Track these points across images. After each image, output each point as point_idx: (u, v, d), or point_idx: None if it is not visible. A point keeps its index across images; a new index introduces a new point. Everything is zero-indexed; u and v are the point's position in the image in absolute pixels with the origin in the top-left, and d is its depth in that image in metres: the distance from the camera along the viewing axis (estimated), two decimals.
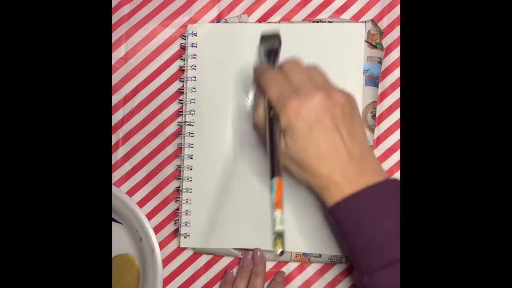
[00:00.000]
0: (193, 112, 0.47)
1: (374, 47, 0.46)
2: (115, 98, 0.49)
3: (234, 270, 0.48)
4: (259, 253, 0.46)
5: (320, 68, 0.40)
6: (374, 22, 0.47)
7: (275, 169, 0.36)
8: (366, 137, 0.39)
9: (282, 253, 0.33)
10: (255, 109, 0.40)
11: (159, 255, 0.47)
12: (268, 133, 0.37)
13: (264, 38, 0.43)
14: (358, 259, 0.36)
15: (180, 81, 0.48)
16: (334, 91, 0.37)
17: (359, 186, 0.36)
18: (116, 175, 0.49)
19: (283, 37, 0.47)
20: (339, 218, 0.36)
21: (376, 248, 0.35)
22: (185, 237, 0.47)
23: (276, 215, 0.34)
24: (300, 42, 0.47)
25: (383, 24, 0.48)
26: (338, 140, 0.36)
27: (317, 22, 0.47)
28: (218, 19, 0.49)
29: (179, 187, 0.48)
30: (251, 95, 0.47)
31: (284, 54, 0.46)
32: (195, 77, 0.47)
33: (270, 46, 0.42)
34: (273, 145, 0.37)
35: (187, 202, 0.47)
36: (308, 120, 0.36)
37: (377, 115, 0.47)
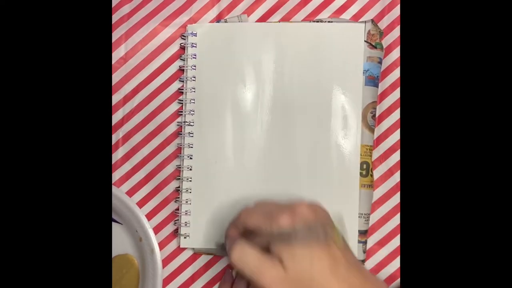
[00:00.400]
0: (192, 112, 0.47)
1: (374, 47, 0.46)
2: (115, 98, 0.49)
3: (234, 270, 0.48)
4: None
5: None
6: (374, 22, 0.47)
7: None
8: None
9: None
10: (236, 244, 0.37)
11: (159, 255, 0.47)
12: None
13: None
14: None
15: (180, 81, 0.48)
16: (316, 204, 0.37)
17: None
18: (116, 175, 0.49)
19: (283, 37, 0.47)
20: None
21: None
22: (185, 237, 0.47)
23: None
24: (300, 42, 0.47)
25: (383, 24, 0.48)
26: (335, 249, 0.35)
27: (317, 22, 0.47)
28: (218, 19, 0.49)
29: (179, 187, 0.48)
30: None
31: (284, 55, 0.46)
32: (194, 77, 0.47)
33: None
34: None
35: (187, 202, 0.47)
36: (302, 230, 0.35)
37: (377, 115, 0.47)
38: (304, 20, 0.48)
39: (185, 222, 0.47)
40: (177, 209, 0.48)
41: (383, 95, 0.48)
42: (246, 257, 0.35)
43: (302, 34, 0.47)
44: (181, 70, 0.48)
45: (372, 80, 0.46)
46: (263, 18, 0.48)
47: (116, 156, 0.49)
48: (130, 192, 0.49)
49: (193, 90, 0.47)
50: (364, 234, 0.46)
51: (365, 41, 0.46)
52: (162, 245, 0.48)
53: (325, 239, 0.35)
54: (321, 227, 0.36)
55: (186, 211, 0.47)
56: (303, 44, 0.47)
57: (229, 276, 0.47)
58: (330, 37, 0.47)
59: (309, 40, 0.47)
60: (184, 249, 0.48)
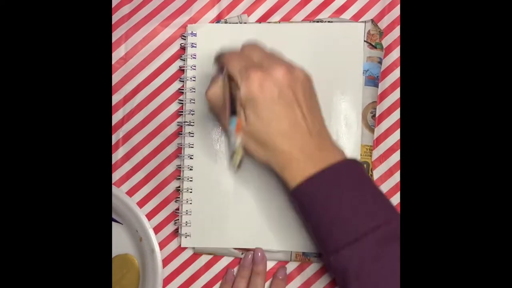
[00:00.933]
0: (193, 112, 0.47)
1: (374, 47, 0.46)
2: (115, 98, 0.49)
3: (235, 270, 0.48)
4: (259, 253, 0.46)
5: (277, 51, 0.40)
6: (374, 22, 0.47)
7: (234, 109, 0.37)
8: (323, 116, 0.39)
9: (239, 166, 0.37)
10: (210, 86, 0.40)
11: (159, 255, 0.47)
12: (229, 105, 0.38)
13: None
14: (323, 239, 0.36)
15: (180, 81, 0.48)
16: (294, 67, 0.38)
17: (321, 164, 0.36)
18: (116, 175, 0.49)
19: (283, 37, 0.47)
20: (303, 199, 0.37)
21: (341, 226, 0.35)
22: (185, 237, 0.47)
23: (235, 140, 0.37)
24: (299, 42, 0.47)
25: (383, 24, 0.48)
26: (300, 116, 0.37)
27: (317, 22, 0.47)
28: (218, 19, 0.49)
29: (179, 187, 0.48)
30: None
31: (284, 54, 0.46)
32: (195, 77, 0.47)
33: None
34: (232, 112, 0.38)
35: (187, 202, 0.47)
36: (271, 93, 0.36)
37: (377, 115, 0.47)
38: (304, 20, 0.48)
39: (186, 222, 0.47)
40: (178, 209, 0.48)
41: (383, 95, 0.48)
42: (216, 100, 0.39)
43: (302, 34, 0.47)
44: (181, 70, 0.48)
45: (372, 80, 0.46)
46: (263, 18, 0.48)
47: (116, 156, 0.49)
48: (131, 192, 0.49)
49: (193, 90, 0.47)
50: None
51: (365, 41, 0.46)
52: (162, 245, 0.48)
53: (290, 104, 0.36)
54: (291, 92, 0.37)
55: (187, 210, 0.47)
56: (303, 44, 0.47)
57: (231, 276, 0.47)
58: (330, 37, 0.47)
59: (309, 40, 0.47)
60: (184, 249, 0.48)
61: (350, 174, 0.36)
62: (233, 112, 0.37)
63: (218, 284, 0.48)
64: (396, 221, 0.34)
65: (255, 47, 0.39)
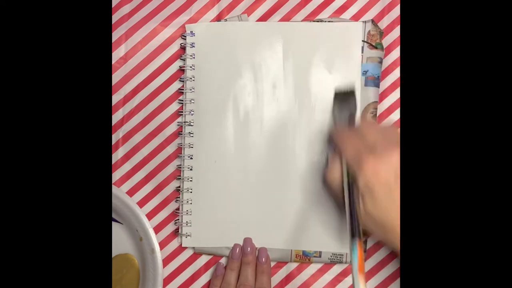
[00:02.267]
0: (192, 112, 0.47)
1: (374, 47, 0.46)
2: (115, 98, 0.49)
3: (224, 263, 0.48)
4: (248, 243, 0.46)
5: (395, 126, 0.39)
6: (374, 22, 0.47)
7: (355, 230, 0.35)
8: None
9: None
10: (330, 170, 0.39)
11: (159, 255, 0.47)
12: (347, 193, 0.36)
13: (339, 96, 0.43)
14: None
15: (180, 81, 0.48)
16: None
17: None
18: (116, 175, 0.49)
19: (282, 36, 0.47)
20: None
21: None
22: (186, 237, 0.47)
23: (359, 282, 0.33)
24: (299, 42, 0.47)
25: (383, 24, 0.48)
26: None
27: (317, 22, 0.47)
28: (218, 19, 0.49)
29: (179, 187, 0.48)
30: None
31: (283, 54, 0.46)
32: (194, 77, 0.47)
33: (347, 110, 0.42)
34: (352, 206, 0.36)
35: (187, 202, 0.47)
36: (386, 179, 0.35)
37: (377, 115, 0.47)
38: (304, 20, 0.48)
39: (187, 222, 0.47)
40: (178, 208, 0.48)
41: (383, 95, 0.48)
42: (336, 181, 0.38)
43: (301, 34, 0.47)
44: (181, 70, 0.48)
45: (373, 81, 0.46)
46: (263, 18, 0.48)
47: (116, 156, 0.49)
48: (131, 192, 0.49)
49: (192, 90, 0.47)
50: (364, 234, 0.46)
51: (365, 41, 0.46)
52: (162, 244, 0.48)
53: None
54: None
55: (187, 210, 0.47)
56: (302, 43, 0.47)
57: (221, 270, 0.47)
58: (329, 37, 0.47)
59: (308, 39, 0.47)
60: (184, 248, 0.48)
61: None
62: (353, 233, 0.35)
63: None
64: None
65: (371, 126, 0.39)
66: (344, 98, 0.43)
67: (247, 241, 0.46)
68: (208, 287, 0.47)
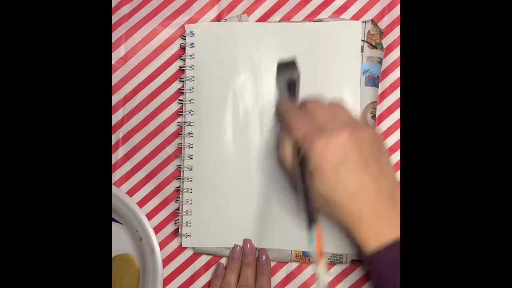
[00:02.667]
0: (192, 112, 0.47)
1: (374, 47, 0.46)
2: (115, 98, 0.49)
3: (224, 263, 0.48)
4: (248, 244, 0.46)
5: (343, 103, 0.39)
6: (374, 22, 0.47)
7: (313, 216, 0.35)
8: (395, 173, 0.38)
9: None
10: (281, 148, 0.39)
11: (159, 255, 0.47)
12: (300, 175, 0.37)
13: (282, 67, 0.43)
14: None
15: (180, 81, 0.48)
16: (361, 127, 0.37)
17: (394, 229, 0.35)
18: (116, 175, 0.49)
19: (282, 36, 0.47)
20: (378, 267, 0.36)
21: None
22: (185, 237, 0.47)
23: (319, 269, 0.33)
24: (298, 42, 0.47)
25: (383, 24, 0.48)
26: (367, 178, 0.35)
27: (317, 22, 0.47)
28: (218, 19, 0.49)
29: (179, 187, 0.48)
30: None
31: (282, 54, 0.46)
32: (193, 77, 0.47)
33: (289, 77, 0.42)
34: (306, 189, 0.36)
35: (187, 202, 0.47)
36: (334, 158, 0.35)
37: (377, 115, 0.47)
38: (304, 20, 0.48)
39: (186, 222, 0.47)
40: (178, 209, 0.48)
41: (383, 95, 0.48)
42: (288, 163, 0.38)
43: (300, 34, 0.47)
44: (181, 70, 0.48)
45: (372, 80, 0.46)
46: (263, 18, 0.48)
47: (116, 156, 0.49)
48: (131, 192, 0.49)
49: (192, 90, 0.47)
50: None
51: (365, 41, 0.46)
52: (162, 245, 0.48)
53: (354, 167, 0.35)
54: (355, 154, 0.35)
55: (187, 211, 0.47)
56: (301, 43, 0.47)
57: (221, 270, 0.47)
58: (328, 36, 0.46)
59: (308, 39, 0.47)
60: (184, 249, 0.48)
61: None
62: (311, 218, 0.35)
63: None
64: None
65: (319, 105, 0.39)
66: (285, 67, 0.43)
67: (247, 242, 0.46)
68: (208, 287, 0.47)
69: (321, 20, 0.47)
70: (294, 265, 0.47)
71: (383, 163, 0.37)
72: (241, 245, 0.46)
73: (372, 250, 0.35)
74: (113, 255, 0.48)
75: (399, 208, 0.36)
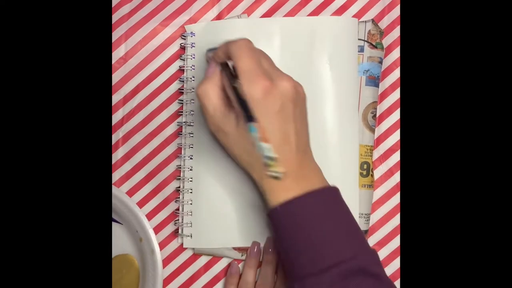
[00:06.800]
0: (192, 112, 0.47)
1: (375, 47, 0.46)
2: (115, 98, 0.49)
3: (240, 265, 0.47)
4: (270, 242, 0.45)
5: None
6: (374, 22, 0.47)
7: (251, 115, 0.36)
8: (309, 137, 0.39)
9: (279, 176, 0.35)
10: (204, 81, 0.39)
11: (159, 255, 0.47)
12: (240, 106, 0.37)
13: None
14: (291, 264, 0.36)
15: (180, 81, 0.48)
16: (296, 82, 0.38)
17: (300, 183, 0.36)
18: (116, 175, 0.49)
19: (281, 32, 0.47)
20: (277, 221, 0.37)
21: (308, 255, 0.35)
22: (186, 238, 0.47)
23: (264, 146, 0.35)
24: (297, 38, 0.46)
25: (383, 24, 0.48)
26: (292, 132, 0.37)
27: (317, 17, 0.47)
28: (218, 19, 0.49)
29: (179, 187, 0.48)
30: None
31: (281, 51, 0.46)
32: (194, 77, 0.47)
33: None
34: (242, 100, 0.36)
35: (188, 202, 0.47)
36: (273, 104, 0.36)
37: (377, 115, 0.47)
38: None
39: (187, 223, 0.47)
40: (178, 209, 0.48)
41: (383, 95, 0.48)
42: (207, 98, 0.38)
43: (299, 29, 0.46)
44: (181, 70, 0.48)
45: (373, 80, 0.46)
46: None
47: (116, 156, 0.49)
48: (130, 192, 0.48)
49: (193, 90, 0.47)
50: (364, 234, 0.46)
51: (365, 40, 0.46)
52: (162, 245, 0.48)
53: (287, 119, 0.36)
54: (292, 108, 0.37)
55: (187, 211, 0.47)
56: (300, 38, 0.46)
57: (236, 268, 0.46)
58: (327, 31, 0.46)
59: (306, 34, 0.46)
60: (184, 249, 0.48)
61: (328, 204, 0.37)
62: (249, 118, 0.36)
63: (218, 284, 0.48)
64: (363, 256, 0.35)
65: (266, 55, 0.39)
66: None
67: (270, 240, 0.46)
68: (224, 286, 0.47)
69: None
70: None
71: (305, 121, 0.39)
72: (259, 243, 0.46)
73: (275, 203, 0.36)
74: (113, 255, 0.48)
75: (311, 166, 0.38)
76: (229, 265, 0.47)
